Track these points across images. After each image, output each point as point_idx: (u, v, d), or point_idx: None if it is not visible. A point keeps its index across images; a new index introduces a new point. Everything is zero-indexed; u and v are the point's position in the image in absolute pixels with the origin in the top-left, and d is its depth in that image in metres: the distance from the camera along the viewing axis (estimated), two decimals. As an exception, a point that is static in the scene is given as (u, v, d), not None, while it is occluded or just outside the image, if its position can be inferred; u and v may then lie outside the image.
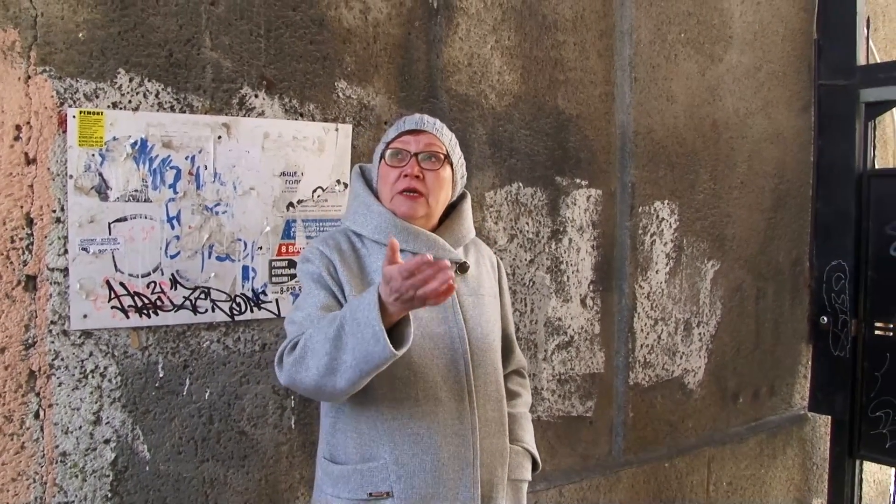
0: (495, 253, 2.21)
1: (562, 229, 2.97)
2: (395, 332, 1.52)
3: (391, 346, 1.47)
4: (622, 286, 3.17)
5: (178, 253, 2.15)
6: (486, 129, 2.74)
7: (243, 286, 2.24)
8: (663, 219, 3.28)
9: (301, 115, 2.33)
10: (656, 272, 3.27)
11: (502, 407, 1.88)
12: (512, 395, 2.02)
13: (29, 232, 1.97)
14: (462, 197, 1.99)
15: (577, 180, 3.01)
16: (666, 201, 3.29)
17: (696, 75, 3.38)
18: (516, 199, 2.83)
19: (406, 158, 1.80)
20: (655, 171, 3.24)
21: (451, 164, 1.87)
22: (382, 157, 1.85)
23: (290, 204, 2.31)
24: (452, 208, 1.97)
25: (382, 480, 1.70)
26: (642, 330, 3.24)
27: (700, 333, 3.47)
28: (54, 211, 1.99)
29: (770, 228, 3.76)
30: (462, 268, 1.87)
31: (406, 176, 1.79)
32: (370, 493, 1.71)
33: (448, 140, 1.87)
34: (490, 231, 2.76)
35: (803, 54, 3.88)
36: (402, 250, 1.78)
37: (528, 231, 2.87)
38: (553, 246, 2.96)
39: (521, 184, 2.84)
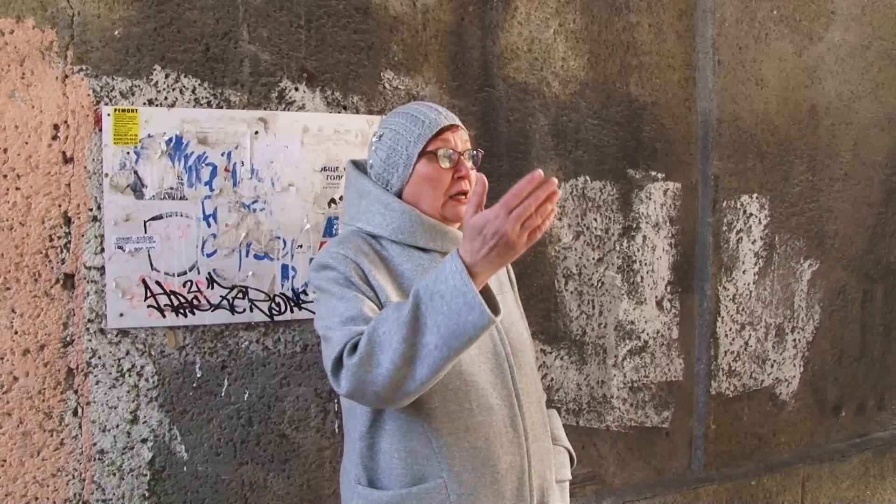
0: (559, 251, 2.07)
1: (635, 226, 2.77)
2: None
3: (489, 310, 1.33)
4: (704, 287, 2.93)
5: (215, 251, 2.11)
6: (549, 119, 2.57)
7: (283, 285, 2.18)
8: (751, 214, 3.01)
9: (344, 107, 2.24)
10: (743, 272, 3.01)
11: (543, 408, 1.79)
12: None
13: (66, 230, 1.97)
14: None
15: (653, 173, 2.80)
16: (755, 195, 3.02)
17: (792, 56, 3.08)
18: (583, 193, 2.65)
19: (455, 159, 1.68)
20: (742, 161, 2.98)
21: None
22: (424, 156, 1.68)
23: (332, 200, 2.22)
24: None
25: (441, 502, 1.57)
26: (727, 335, 2.98)
27: (795, 340, 3.17)
28: (91, 209, 1.99)
29: (879, 224, 3.40)
30: None
31: (461, 178, 1.68)
32: None
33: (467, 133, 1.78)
34: (553, 228, 2.59)
35: (922, 30, 3.49)
36: (428, 250, 1.69)
37: (596, 228, 2.69)
38: (625, 243, 2.76)
39: (587, 177, 2.66)
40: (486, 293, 1.39)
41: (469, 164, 1.70)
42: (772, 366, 3.12)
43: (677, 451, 2.92)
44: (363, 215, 1.70)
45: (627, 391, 2.78)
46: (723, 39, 2.90)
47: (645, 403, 2.82)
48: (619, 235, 2.74)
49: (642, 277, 2.80)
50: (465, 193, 1.68)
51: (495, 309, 1.37)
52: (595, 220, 2.68)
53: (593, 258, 2.69)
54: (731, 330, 2.99)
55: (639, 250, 2.79)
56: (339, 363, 1.50)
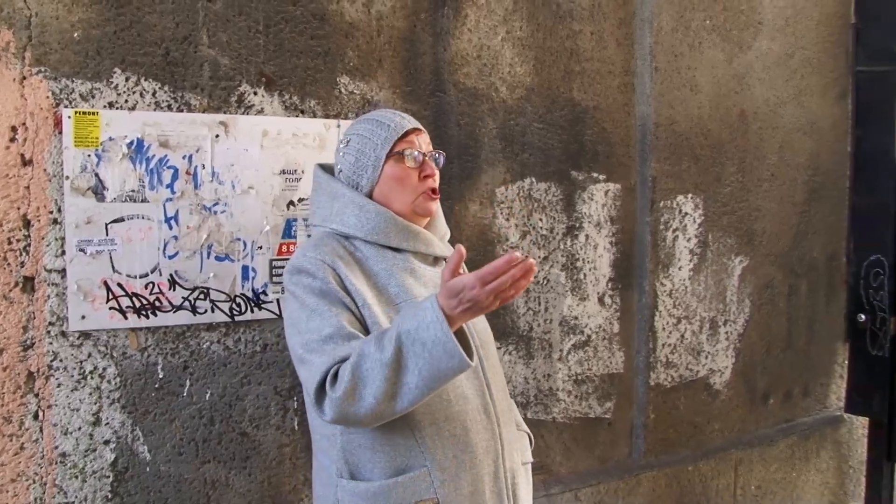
0: (507, 250, 2.18)
1: (578, 225, 2.89)
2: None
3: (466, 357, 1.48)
4: (642, 284, 3.08)
5: (177, 253, 2.13)
6: (497, 123, 2.67)
7: (243, 286, 2.21)
8: (686, 213, 3.18)
9: (302, 111, 2.29)
10: (679, 269, 3.17)
11: (508, 396, 1.92)
12: None
13: (26, 233, 1.97)
14: None
15: (595, 174, 2.92)
16: (689, 195, 3.19)
17: (723, 64, 3.26)
18: (529, 194, 2.76)
19: (420, 160, 1.80)
20: (678, 164, 3.14)
21: None
22: (391, 157, 1.78)
23: (291, 202, 2.27)
24: None
25: (426, 489, 1.66)
26: (664, 329, 3.14)
27: (727, 332, 3.35)
28: (51, 212, 1.99)
29: (803, 223, 3.62)
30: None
31: (427, 176, 1.80)
32: (416, 503, 1.67)
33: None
34: (501, 227, 2.69)
35: (840, 39, 3.71)
36: (401, 250, 1.78)
37: (541, 227, 2.80)
38: (569, 242, 2.88)
39: (534, 179, 2.76)
40: (462, 336, 1.52)
41: (433, 164, 1.82)
42: (706, 357, 3.29)
43: (619, 440, 3.06)
44: (337, 217, 1.77)
45: (572, 384, 2.90)
46: (660, 47, 3.04)
47: (588, 395, 2.94)
48: (563, 235, 2.86)
49: (585, 275, 2.92)
50: (433, 190, 1.80)
51: (470, 352, 1.51)
52: (541, 220, 2.79)
53: (539, 257, 2.80)
54: (668, 324, 3.15)
55: (581, 249, 2.91)
56: (321, 392, 1.59)
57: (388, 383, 1.51)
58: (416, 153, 1.78)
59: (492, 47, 2.65)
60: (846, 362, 3.83)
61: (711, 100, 3.23)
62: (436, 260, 1.87)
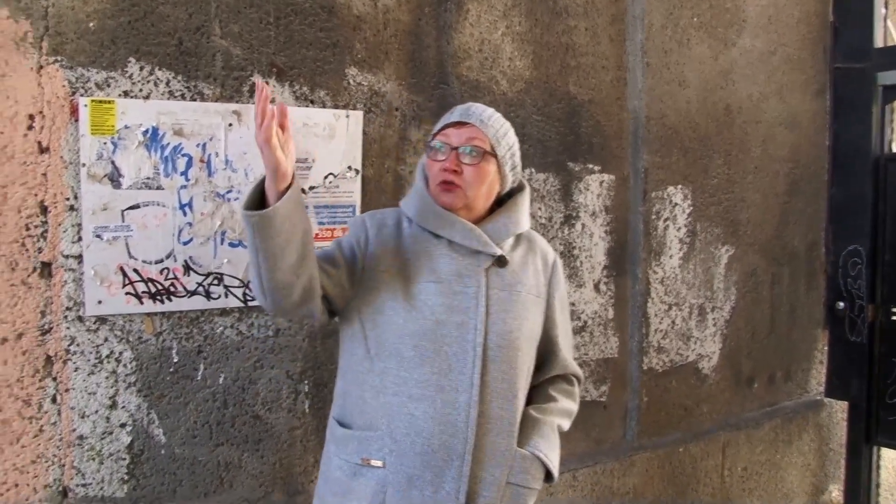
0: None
1: (574, 214, 2.97)
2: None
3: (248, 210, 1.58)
4: (636, 271, 3.17)
5: (191, 239, 2.17)
6: (497, 115, 2.74)
7: (255, 272, 2.26)
8: (676, 204, 3.27)
9: (312, 101, 2.34)
10: (670, 257, 3.27)
11: (513, 407, 1.79)
12: (545, 399, 1.94)
13: (43, 220, 2.00)
14: (519, 189, 1.94)
15: (590, 166, 3.01)
16: (679, 186, 3.28)
17: (709, 60, 3.36)
18: (528, 184, 2.82)
19: (446, 152, 1.79)
20: (668, 156, 3.23)
21: (497, 157, 1.81)
22: (428, 148, 1.84)
23: (302, 190, 2.31)
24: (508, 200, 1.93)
25: (377, 450, 1.72)
26: (656, 315, 3.23)
27: (714, 318, 3.46)
28: (68, 199, 2.02)
29: (785, 213, 3.74)
30: (500, 261, 1.82)
31: (444, 170, 1.78)
32: (363, 459, 1.73)
33: (493, 133, 1.81)
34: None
35: (819, 37, 3.84)
36: (438, 236, 1.80)
37: (540, 216, 2.87)
38: (566, 231, 2.96)
39: (533, 169, 2.84)
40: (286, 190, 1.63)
41: (465, 159, 1.76)
42: (695, 343, 3.39)
43: (614, 423, 3.15)
44: (406, 198, 1.89)
45: (569, 369, 2.98)
46: (650, 43, 3.14)
47: (585, 379, 3.02)
48: (561, 223, 2.94)
49: (581, 262, 3.01)
50: (448, 183, 1.77)
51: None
52: (540, 209, 2.87)
53: (537, 245, 2.87)
54: (659, 310, 3.24)
55: (578, 237, 2.99)
56: None
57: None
58: (438, 144, 1.80)
59: (492, 41, 2.71)
60: (826, 348, 3.96)
61: (699, 94, 3.33)
62: (476, 253, 1.79)
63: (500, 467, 1.75)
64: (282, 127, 1.62)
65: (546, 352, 1.94)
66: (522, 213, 1.90)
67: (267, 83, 2.26)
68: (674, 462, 3.29)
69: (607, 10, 3.02)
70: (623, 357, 3.15)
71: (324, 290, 1.72)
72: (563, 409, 1.94)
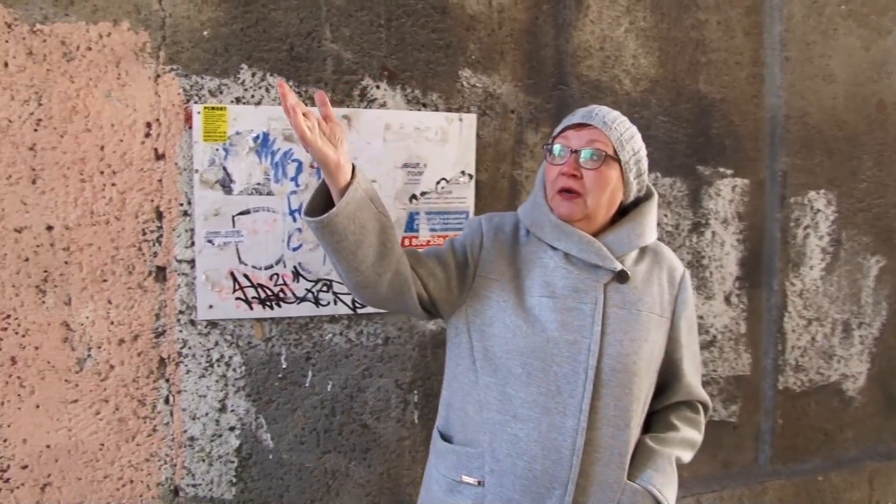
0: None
1: (704, 222, 2.78)
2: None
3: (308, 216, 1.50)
4: (771, 283, 2.93)
5: (300, 245, 2.16)
6: (619, 116, 2.59)
7: (364, 279, 2.22)
8: (818, 210, 3.00)
9: (424, 105, 2.29)
10: (810, 268, 3.00)
11: (625, 436, 1.64)
12: (665, 428, 1.78)
13: (159, 225, 2.04)
14: (647, 197, 1.79)
15: (722, 169, 2.80)
16: (822, 191, 3.01)
17: (860, 51, 3.06)
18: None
19: (565, 156, 1.65)
20: (810, 157, 2.96)
21: (620, 163, 1.66)
22: (547, 151, 1.72)
23: (413, 196, 2.27)
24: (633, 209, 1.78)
25: (478, 468, 1.63)
26: (794, 330, 2.98)
27: (862, 336, 3.15)
28: (181, 204, 2.06)
29: (948, 220, 3.36)
30: (620, 277, 1.68)
31: (563, 175, 1.64)
32: (463, 477, 1.65)
33: (617, 136, 1.65)
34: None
35: None
36: (555, 248, 1.68)
37: (666, 224, 2.70)
38: (694, 239, 2.77)
39: (658, 174, 2.67)
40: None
41: (586, 163, 1.63)
42: (838, 362, 3.10)
43: (744, 445, 2.92)
44: (524, 206, 1.78)
45: (695, 386, 2.79)
46: (790, 35, 2.89)
47: (713, 397, 2.82)
48: (689, 231, 2.75)
49: (711, 273, 2.81)
50: (567, 190, 1.64)
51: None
52: (666, 216, 2.69)
53: (662, 254, 2.70)
54: (798, 325, 2.99)
55: (708, 246, 2.79)
56: None
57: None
58: (557, 147, 1.66)
59: (615, 38, 2.57)
60: None
61: (847, 90, 3.04)
62: (595, 268, 1.66)
63: (606, 500, 1.61)
64: (325, 118, 1.52)
65: (669, 375, 1.78)
66: (648, 224, 1.74)
67: (377, 87, 2.22)
68: (812, 491, 3.01)
69: (742, 2, 2.80)
70: (756, 375, 2.92)
71: (428, 293, 1.65)
72: (685, 439, 1.77)
